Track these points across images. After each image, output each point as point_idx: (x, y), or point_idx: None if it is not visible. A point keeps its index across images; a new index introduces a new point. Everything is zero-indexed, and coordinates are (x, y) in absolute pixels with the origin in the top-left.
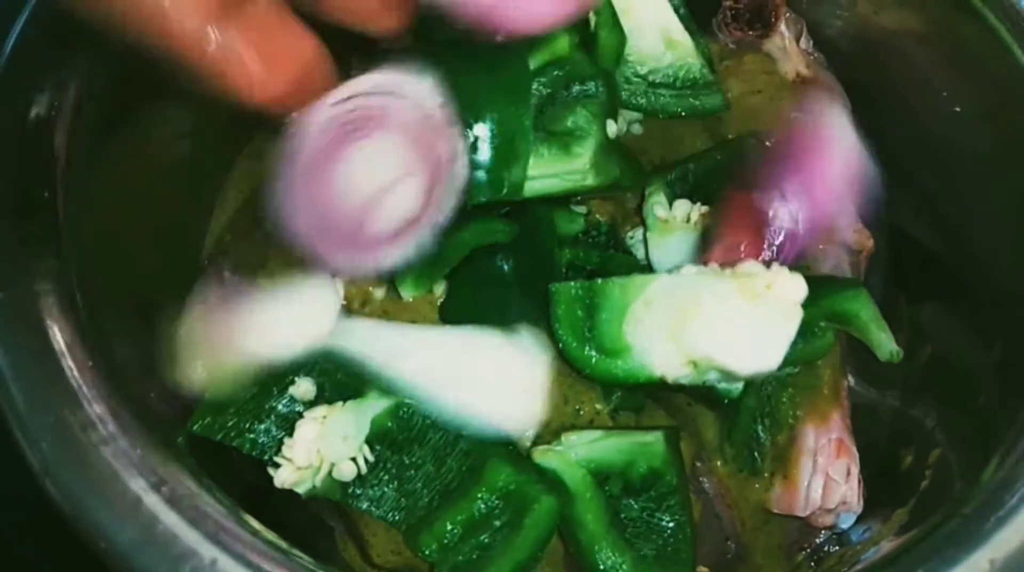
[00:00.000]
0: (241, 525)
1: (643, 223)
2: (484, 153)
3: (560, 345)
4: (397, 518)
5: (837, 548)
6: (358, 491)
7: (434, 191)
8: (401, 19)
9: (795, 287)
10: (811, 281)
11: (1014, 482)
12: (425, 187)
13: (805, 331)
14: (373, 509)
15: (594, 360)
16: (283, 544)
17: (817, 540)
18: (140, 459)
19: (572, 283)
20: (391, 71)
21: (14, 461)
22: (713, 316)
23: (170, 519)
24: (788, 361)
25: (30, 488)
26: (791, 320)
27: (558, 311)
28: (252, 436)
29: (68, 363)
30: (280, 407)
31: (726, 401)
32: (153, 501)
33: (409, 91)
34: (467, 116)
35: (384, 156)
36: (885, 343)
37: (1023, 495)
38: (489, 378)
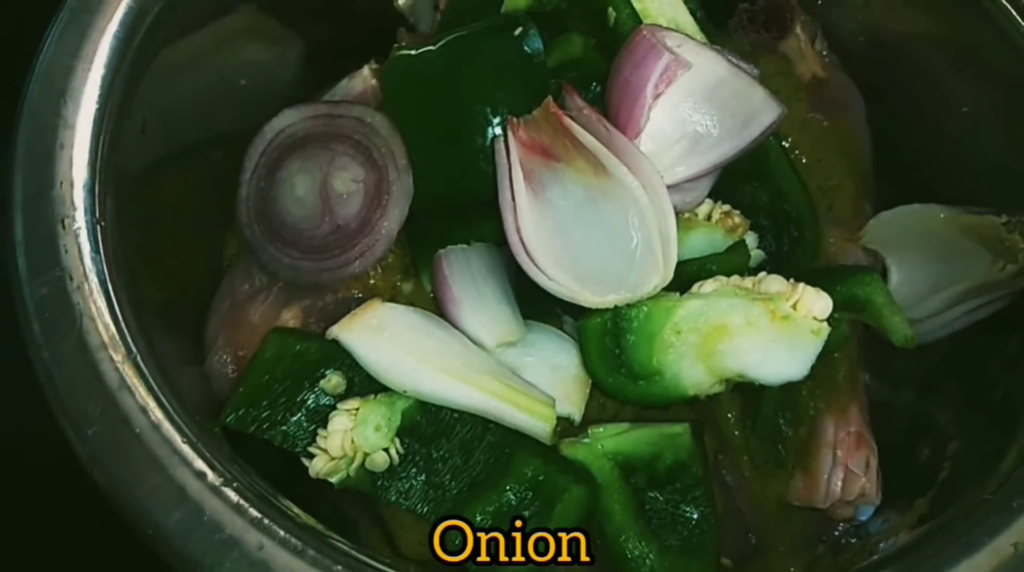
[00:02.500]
0: (284, 511)
1: None
2: None
3: (594, 377)
4: (425, 510)
5: (855, 540)
6: (387, 483)
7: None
8: None
9: (821, 303)
10: (825, 270)
11: None
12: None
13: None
14: (402, 501)
15: (627, 386)
16: (323, 528)
17: (836, 532)
18: (184, 448)
19: (599, 317)
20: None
21: (62, 453)
22: (743, 339)
23: (216, 505)
24: None
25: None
26: (819, 335)
27: (589, 347)
28: (284, 428)
29: (110, 354)
30: (311, 400)
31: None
32: (198, 488)
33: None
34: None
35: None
36: (900, 327)
37: None
38: (531, 367)
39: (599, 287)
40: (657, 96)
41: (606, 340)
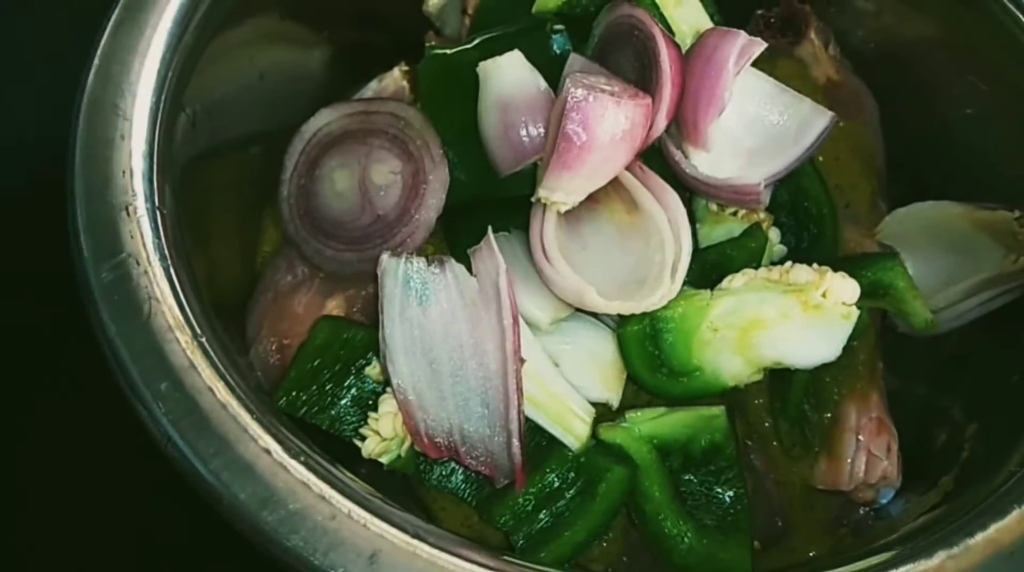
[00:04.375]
0: (349, 483)
1: (692, 215)
2: None
3: (636, 380)
4: (468, 492)
5: (878, 522)
6: (431, 466)
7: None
8: None
9: (849, 289)
10: (848, 258)
11: None
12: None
13: None
14: (445, 484)
15: (669, 384)
16: (384, 499)
17: (858, 515)
18: (252, 424)
19: (636, 324)
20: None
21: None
22: (778, 330)
23: (286, 478)
24: None
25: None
26: (849, 318)
27: (630, 352)
28: (333, 412)
29: (177, 336)
30: (357, 386)
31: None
32: (268, 463)
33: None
34: None
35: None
36: (921, 311)
37: None
38: (569, 355)
39: (607, 294)
40: (738, 72)
41: (646, 344)
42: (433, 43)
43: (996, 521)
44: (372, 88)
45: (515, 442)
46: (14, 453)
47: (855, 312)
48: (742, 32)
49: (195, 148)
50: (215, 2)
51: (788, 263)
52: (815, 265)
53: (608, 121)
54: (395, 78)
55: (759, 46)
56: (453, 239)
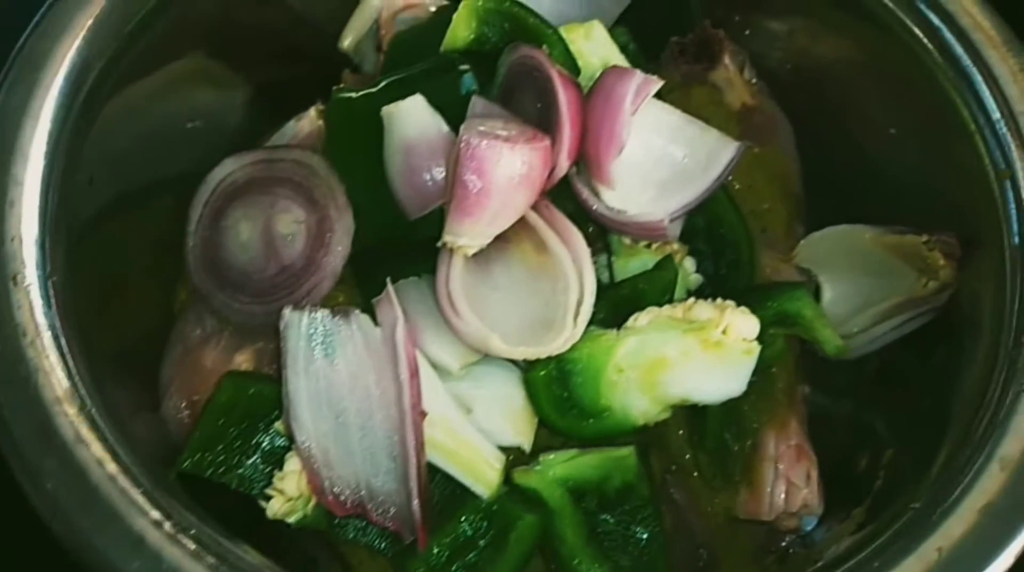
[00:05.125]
0: (243, 556)
1: (608, 249)
2: None
3: (546, 422)
4: (383, 545)
5: (801, 549)
6: (345, 520)
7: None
8: None
9: (748, 325)
10: (758, 288)
11: (957, 477)
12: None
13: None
14: (360, 537)
15: (579, 425)
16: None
17: (783, 543)
18: (141, 497)
19: (542, 369)
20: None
21: (18, 506)
22: (681, 369)
23: (175, 553)
24: None
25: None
26: (750, 354)
27: (538, 396)
28: (241, 472)
29: (65, 409)
30: (266, 443)
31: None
32: (156, 537)
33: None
34: None
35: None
36: (830, 338)
37: (964, 488)
38: (481, 400)
39: (511, 339)
40: (635, 111)
41: (553, 387)
42: (342, 86)
43: (897, 563)
44: (290, 129)
45: (415, 501)
46: None
47: (756, 348)
48: (637, 71)
49: (97, 206)
50: (114, 57)
51: (691, 300)
52: (718, 300)
53: (503, 166)
54: (311, 118)
55: (655, 84)
56: (366, 286)
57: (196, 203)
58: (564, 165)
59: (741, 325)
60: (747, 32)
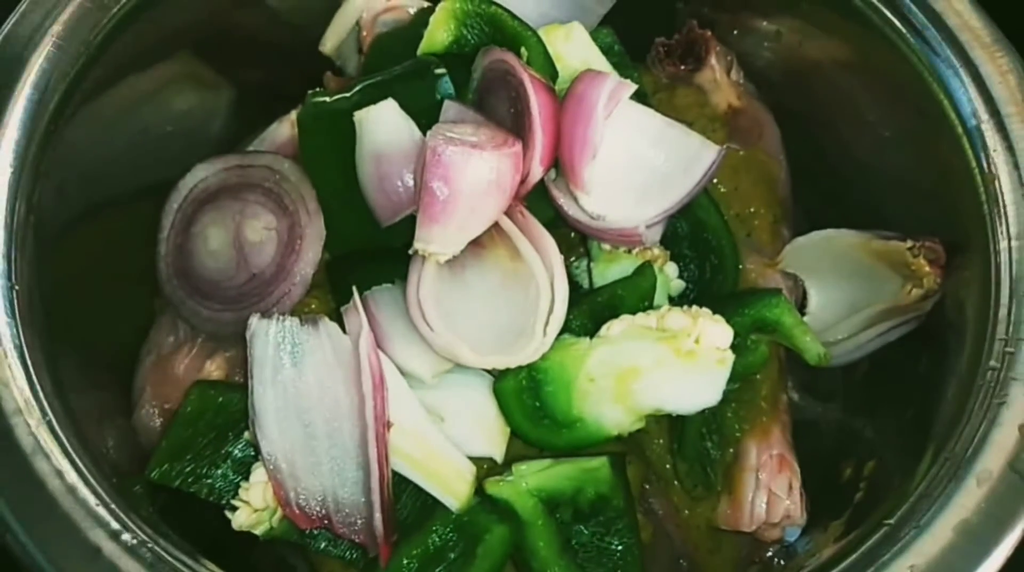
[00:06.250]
0: (199, 570)
1: (587, 254)
2: None
3: (518, 433)
4: (354, 556)
5: (784, 560)
6: (314, 531)
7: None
8: None
9: (721, 334)
10: (733, 295)
11: (933, 492)
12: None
13: (739, 347)
14: (331, 548)
15: (552, 436)
16: None
17: (767, 554)
18: (99, 509)
19: (512, 378)
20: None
21: None
22: (654, 377)
23: (130, 566)
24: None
25: None
26: (724, 363)
27: (509, 407)
28: (210, 481)
29: (25, 419)
30: (236, 451)
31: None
32: (112, 549)
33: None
34: None
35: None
36: (811, 346)
37: (940, 505)
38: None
39: (481, 348)
40: (608, 115)
41: (524, 397)
42: (319, 89)
43: None
44: (270, 133)
45: (377, 516)
46: None
47: (730, 357)
48: (611, 75)
49: (67, 215)
50: (85, 64)
51: (665, 307)
52: (692, 308)
53: (471, 172)
54: (292, 122)
55: (628, 88)
56: (340, 293)
57: (168, 210)
58: (537, 170)
59: (714, 334)
60: (735, 32)
